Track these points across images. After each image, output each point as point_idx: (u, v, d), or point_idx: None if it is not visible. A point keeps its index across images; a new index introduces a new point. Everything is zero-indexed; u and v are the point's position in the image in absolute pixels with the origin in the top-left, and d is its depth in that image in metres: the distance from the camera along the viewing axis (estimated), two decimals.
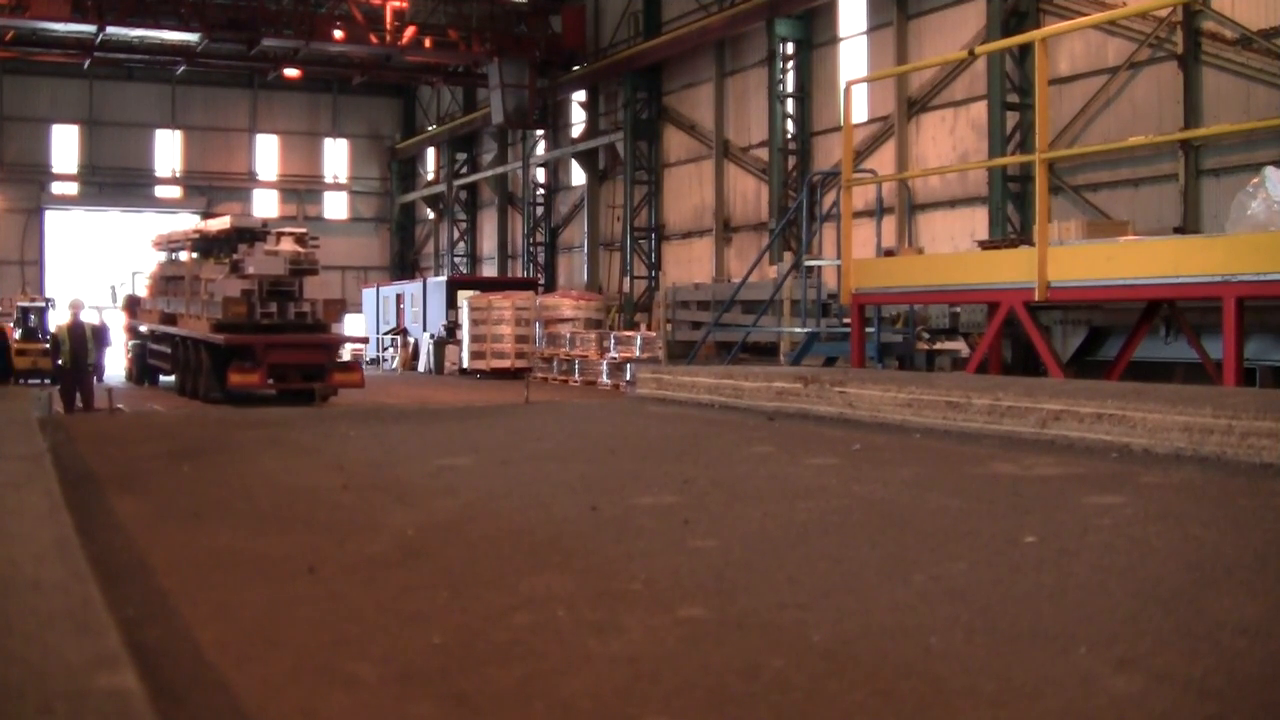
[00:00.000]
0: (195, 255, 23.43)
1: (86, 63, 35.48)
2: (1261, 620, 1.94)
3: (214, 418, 7.69)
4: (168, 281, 25.20)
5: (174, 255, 25.56)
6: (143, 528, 2.73)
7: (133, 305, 27.50)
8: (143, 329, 26.45)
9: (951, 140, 21.00)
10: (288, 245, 21.18)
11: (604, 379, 24.39)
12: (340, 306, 23.08)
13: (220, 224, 23.00)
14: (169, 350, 23.43)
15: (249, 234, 21.95)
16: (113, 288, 29.69)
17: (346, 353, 24.72)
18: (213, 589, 2.19)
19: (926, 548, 2.52)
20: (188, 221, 41.58)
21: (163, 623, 1.92)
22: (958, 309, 13.40)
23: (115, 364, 24.93)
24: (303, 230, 23.60)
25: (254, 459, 4.06)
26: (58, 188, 40.88)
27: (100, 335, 18.04)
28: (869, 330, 11.12)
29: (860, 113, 22.61)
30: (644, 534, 2.69)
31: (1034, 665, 1.72)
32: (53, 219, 40.75)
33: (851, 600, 2.11)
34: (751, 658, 1.76)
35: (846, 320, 11.72)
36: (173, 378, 23.58)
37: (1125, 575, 2.25)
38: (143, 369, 26.01)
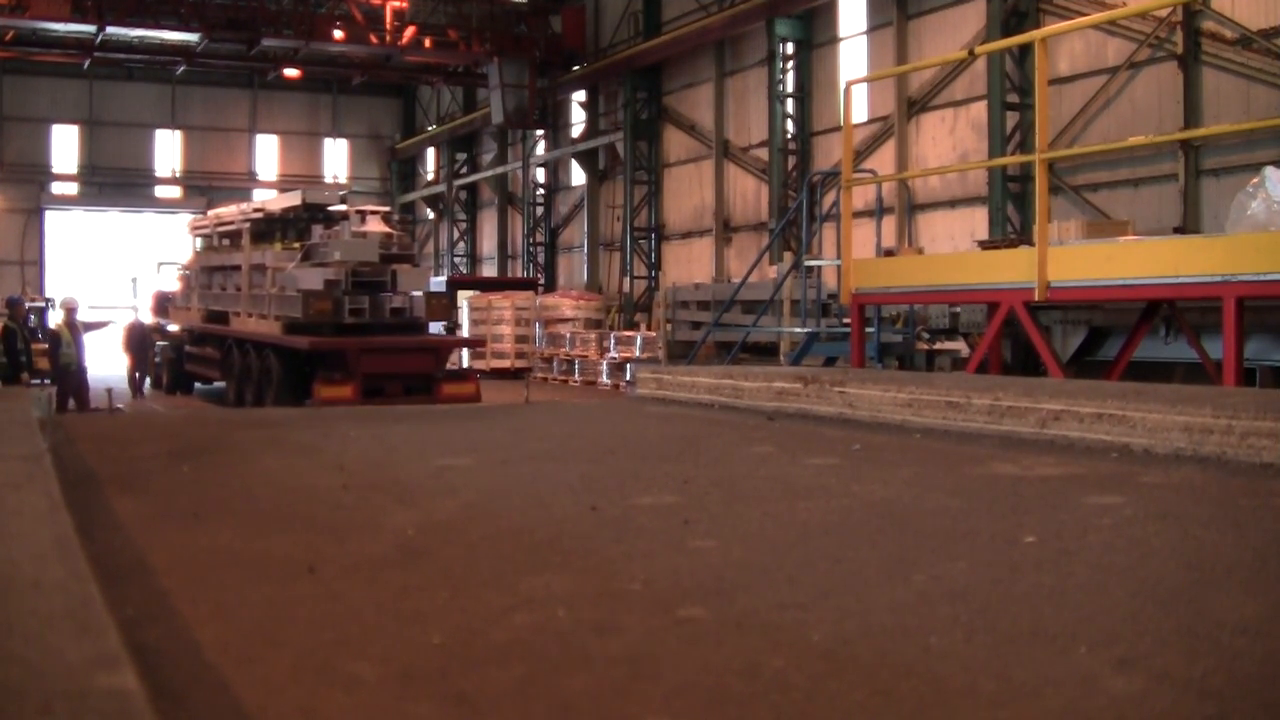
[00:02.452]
0: (248, 241, 19.43)
1: (86, 63, 35.48)
2: (1261, 620, 1.94)
3: (214, 418, 7.68)
4: (212, 273, 21.24)
5: (221, 241, 21.57)
6: (143, 528, 2.73)
7: (162, 302, 24.07)
8: (170, 328, 23.11)
9: (951, 140, 20.99)
10: (375, 225, 17.23)
11: (604, 379, 24.39)
12: (446, 302, 18.45)
13: (288, 200, 18.81)
14: (217, 355, 19.76)
15: (325, 212, 18.11)
16: (133, 281, 26.93)
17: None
18: (213, 589, 2.19)
19: (926, 548, 2.52)
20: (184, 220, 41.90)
21: (163, 623, 1.92)
22: (958, 309, 13.41)
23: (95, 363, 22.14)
24: (385, 208, 20.08)
25: (254, 459, 4.06)
26: (58, 188, 40.89)
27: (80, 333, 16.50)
28: (869, 330, 11.12)
29: (860, 113, 22.61)
30: (644, 534, 2.69)
31: (1034, 665, 1.72)
32: (53, 219, 40.76)
33: (851, 600, 2.11)
34: (751, 658, 1.76)
35: (846, 320, 11.72)
36: (212, 386, 20.79)
37: (1125, 575, 2.25)
38: (177, 376, 22.34)
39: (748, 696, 1.60)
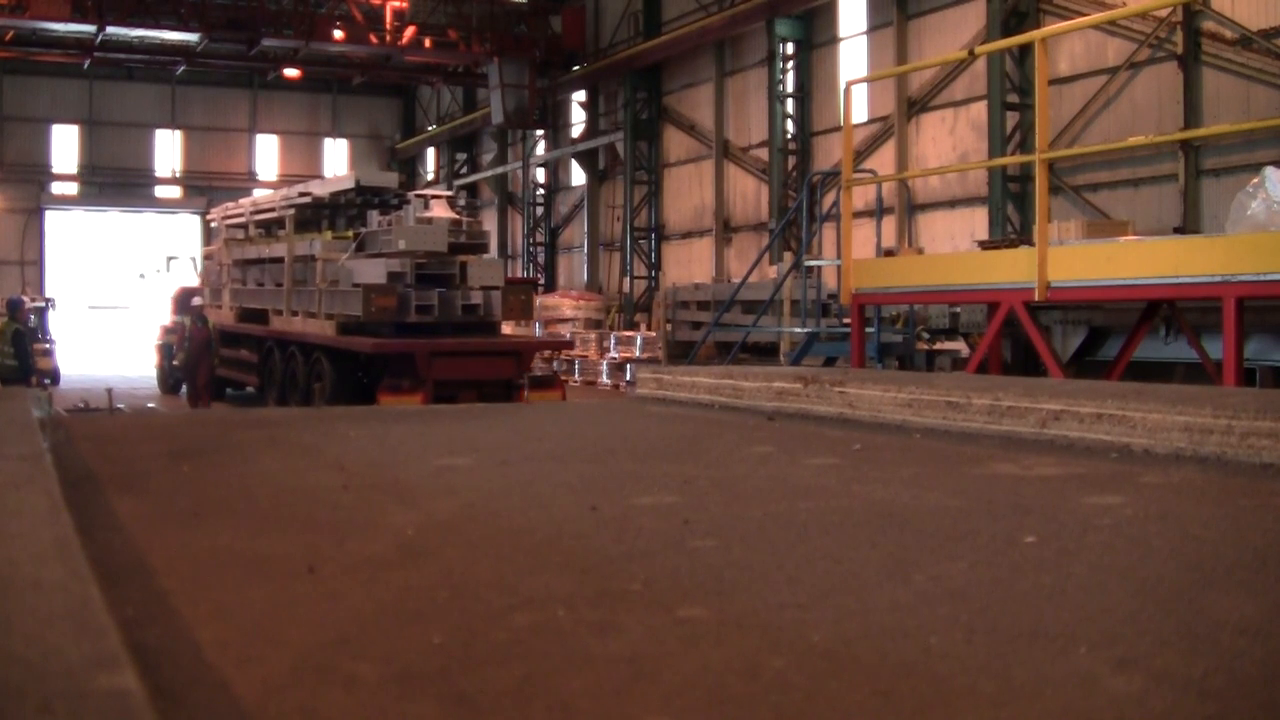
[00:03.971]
0: (292, 229, 17.39)
1: (86, 63, 35.49)
2: (1261, 620, 1.94)
3: (214, 418, 7.68)
4: (247, 267, 19.22)
5: (256, 231, 19.45)
6: (143, 528, 2.73)
7: (184, 299, 21.80)
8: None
9: (951, 140, 20.99)
10: (440, 210, 15.36)
11: (604, 379, 24.40)
12: (527, 297, 16.15)
13: (338, 183, 16.91)
14: (253, 357, 18.07)
15: (380, 197, 16.24)
16: (143, 276, 25.75)
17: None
18: (213, 589, 2.19)
19: (926, 548, 2.52)
20: (190, 221, 41.91)
21: (163, 623, 1.92)
22: (958, 309, 13.41)
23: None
24: (449, 191, 18.16)
25: (254, 459, 4.06)
26: (58, 188, 40.91)
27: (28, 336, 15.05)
28: (869, 330, 11.12)
29: (860, 113, 22.61)
30: (644, 534, 2.69)
31: (1034, 665, 1.72)
32: (53, 219, 40.78)
33: (851, 600, 2.11)
34: (751, 658, 1.76)
35: (846, 320, 11.72)
36: (245, 393, 19.11)
37: (1125, 575, 2.25)
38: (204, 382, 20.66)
39: (748, 696, 1.60)
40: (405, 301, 14.25)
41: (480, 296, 14.85)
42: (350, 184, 16.19)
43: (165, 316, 23.32)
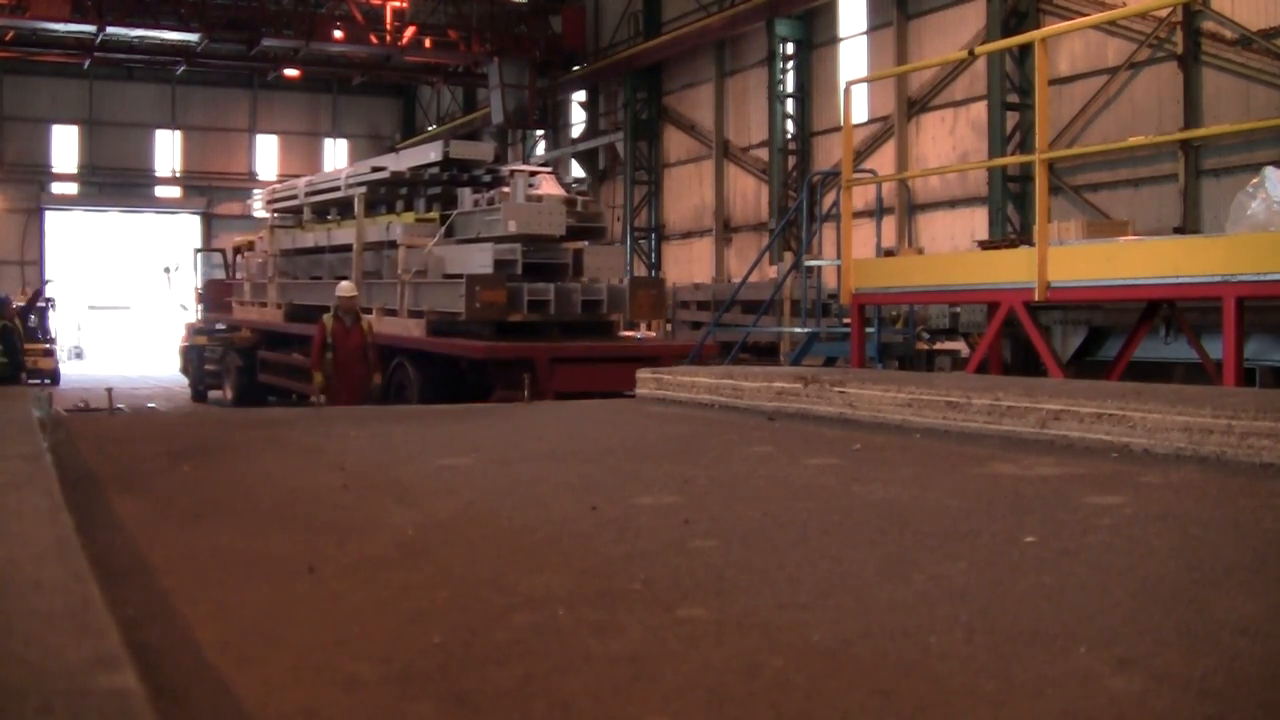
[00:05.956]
0: (363, 212, 14.38)
1: (86, 63, 35.47)
2: (1261, 620, 1.94)
3: (214, 418, 7.69)
4: (294, 257, 16.72)
5: (311, 215, 16.83)
6: (143, 528, 2.73)
7: (216, 295, 20.05)
8: (220, 327, 19.61)
9: (951, 140, 21.00)
10: (550, 187, 13.32)
11: None
12: (659, 293, 13.71)
13: (420, 156, 13.99)
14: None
15: (471, 172, 13.49)
16: (167, 270, 23.80)
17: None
18: (213, 589, 2.19)
19: (926, 548, 2.52)
20: (190, 221, 41.94)
21: (163, 623, 1.92)
22: (958, 309, 13.40)
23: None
24: (548, 169, 15.86)
25: (254, 459, 4.06)
26: (58, 188, 40.90)
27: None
28: (869, 330, 11.12)
29: (860, 113, 22.61)
30: (644, 534, 2.69)
31: (1034, 665, 1.72)
32: (53, 219, 40.76)
33: (851, 600, 2.11)
34: (751, 658, 1.76)
35: (846, 320, 11.71)
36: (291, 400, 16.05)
37: (1125, 575, 2.25)
38: (246, 388, 18.20)
39: (748, 696, 1.60)
40: (516, 296, 11.84)
41: (603, 291, 12.53)
42: (437, 156, 13.35)
43: (189, 316, 22.11)
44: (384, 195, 14.92)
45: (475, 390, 11.58)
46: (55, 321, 28.49)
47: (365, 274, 14.20)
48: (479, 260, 12.08)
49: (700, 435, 4.62)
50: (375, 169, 14.76)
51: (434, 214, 13.72)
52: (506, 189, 12.91)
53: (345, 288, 11.98)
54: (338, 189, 15.49)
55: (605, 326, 13.00)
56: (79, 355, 40.34)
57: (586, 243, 13.33)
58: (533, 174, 13.51)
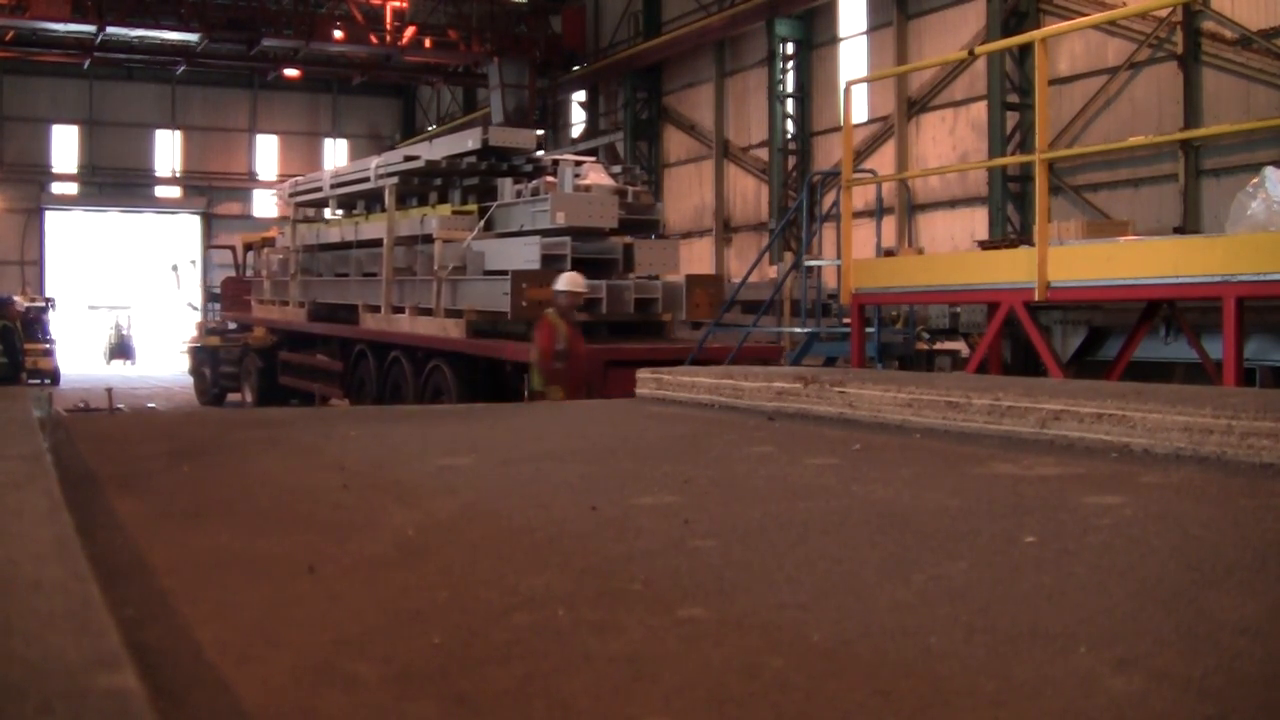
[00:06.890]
0: (394, 204, 13.62)
1: (86, 63, 35.50)
2: (1261, 620, 1.94)
3: (214, 418, 7.69)
4: (318, 253, 15.99)
5: (334, 211, 16.12)
6: (143, 528, 2.73)
7: (232, 294, 19.60)
8: (232, 327, 19.29)
9: (951, 140, 21.00)
10: (598, 177, 12.13)
11: None
12: (716, 291, 12.79)
13: (456, 144, 13.16)
14: (337, 365, 15.02)
15: (510, 161, 12.82)
16: (174, 268, 23.63)
17: None
18: (213, 589, 2.19)
19: (926, 548, 2.52)
20: (190, 221, 41.92)
21: (163, 623, 1.92)
22: (958, 309, 13.41)
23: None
24: (594, 157, 15.14)
25: (254, 459, 4.06)
26: (58, 188, 40.92)
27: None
28: (869, 330, 11.11)
29: (860, 113, 22.62)
30: (644, 534, 2.69)
31: (1034, 665, 1.72)
32: (53, 219, 40.78)
33: (851, 600, 2.11)
34: (751, 658, 1.76)
35: (846, 320, 11.71)
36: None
37: (1125, 575, 2.25)
38: (267, 391, 17.78)
39: (748, 696, 1.60)
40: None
41: (659, 289, 11.78)
42: (474, 144, 12.55)
43: (197, 315, 22.10)
44: (415, 187, 14.18)
45: (519, 396, 10.85)
46: (54, 322, 28.51)
47: (396, 270, 13.45)
48: (525, 255, 11.28)
49: (700, 435, 4.62)
50: (408, 158, 13.89)
51: (471, 206, 12.94)
52: (550, 178, 12.17)
53: (573, 280, 9.88)
54: (367, 180, 14.63)
55: (658, 327, 12.23)
56: (126, 355, 39.26)
57: (662, 236, 12.66)
58: (578, 163, 12.74)
